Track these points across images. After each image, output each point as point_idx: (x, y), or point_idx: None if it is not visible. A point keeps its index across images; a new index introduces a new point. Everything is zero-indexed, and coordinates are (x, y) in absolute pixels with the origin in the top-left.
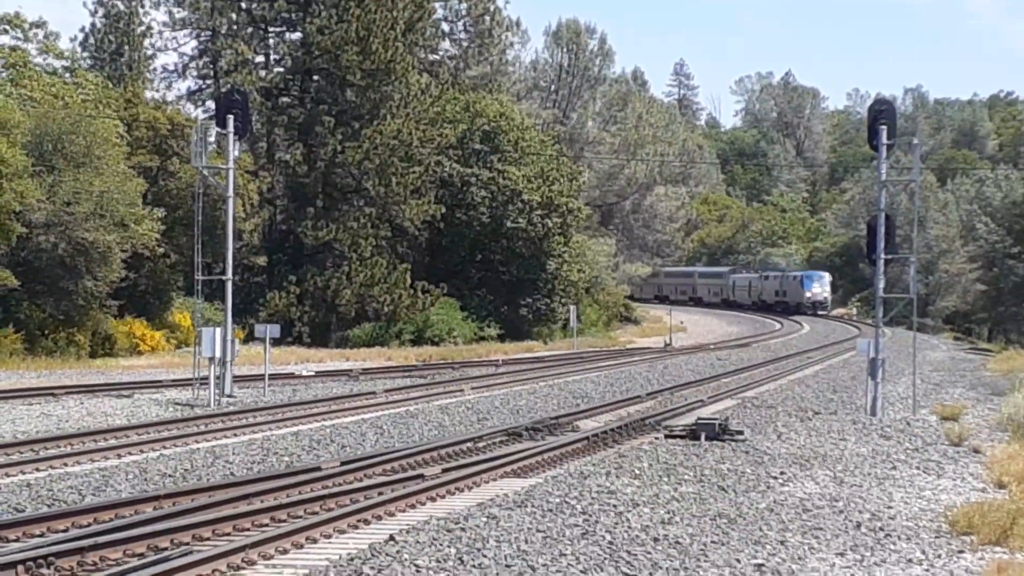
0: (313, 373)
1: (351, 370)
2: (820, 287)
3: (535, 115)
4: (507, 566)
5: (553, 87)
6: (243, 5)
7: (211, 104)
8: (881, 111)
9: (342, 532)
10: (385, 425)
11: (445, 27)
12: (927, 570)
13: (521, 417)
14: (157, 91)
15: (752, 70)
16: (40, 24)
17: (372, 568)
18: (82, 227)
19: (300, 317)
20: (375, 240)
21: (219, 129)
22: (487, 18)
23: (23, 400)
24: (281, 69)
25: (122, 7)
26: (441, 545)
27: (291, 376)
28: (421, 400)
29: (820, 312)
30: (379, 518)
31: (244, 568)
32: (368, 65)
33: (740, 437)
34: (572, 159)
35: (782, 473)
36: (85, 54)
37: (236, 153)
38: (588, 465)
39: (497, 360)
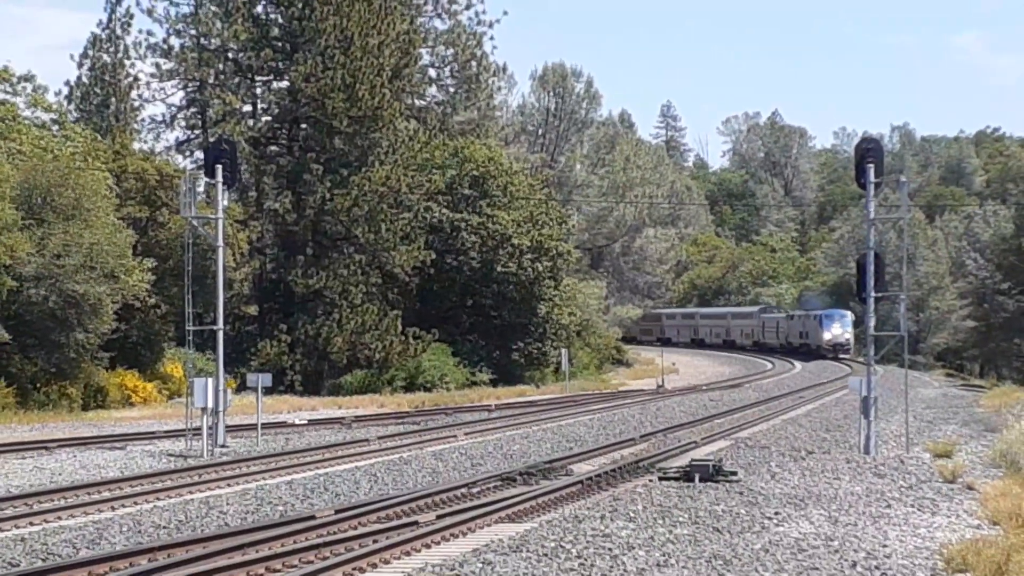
0: (306, 421)
1: (344, 418)
2: (841, 327)
3: (523, 159)
4: None
5: (540, 131)
6: (230, 55)
7: (199, 154)
8: (868, 149)
9: None
10: (379, 472)
11: (432, 73)
12: None
13: (515, 462)
14: (145, 142)
15: (739, 110)
16: (29, 77)
17: None
18: (72, 279)
19: (292, 366)
20: (365, 287)
21: (208, 179)
22: (474, 64)
23: (16, 454)
24: (269, 118)
25: (108, 59)
26: None
27: (284, 425)
28: (414, 447)
29: (842, 356)
30: (374, 566)
31: None
32: (355, 112)
33: (734, 478)
34: (561, 202)
35: (776, 513)
36: (72, 106)
37: (225, 203)
38: (583, 509)
39: (490, 405)
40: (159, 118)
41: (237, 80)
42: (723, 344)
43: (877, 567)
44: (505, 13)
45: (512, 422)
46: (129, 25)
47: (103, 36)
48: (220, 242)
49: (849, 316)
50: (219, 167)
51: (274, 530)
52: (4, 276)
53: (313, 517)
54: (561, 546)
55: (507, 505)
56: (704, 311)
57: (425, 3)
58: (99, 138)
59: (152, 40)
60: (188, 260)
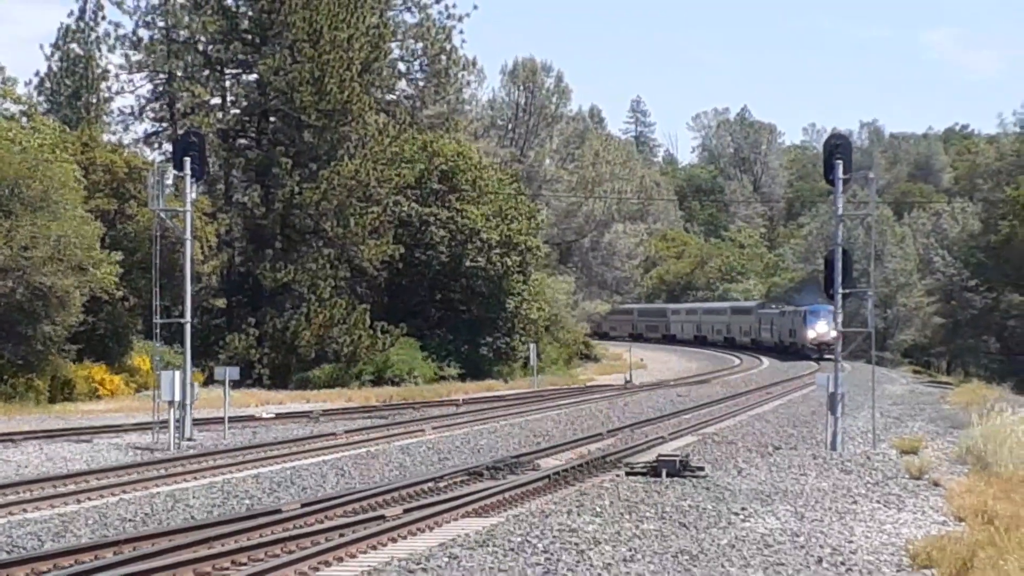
0: (273, 415)
1: (311, 412)
2: (827, 325)
3: (493, 154)
4: None
5: (510, 125)
6: (199, 47)
7: (168, 147)
8: (837, 146)
9: (303, 574)
10: (346, 466)
11: (402, 67)
12: None
13: (482, 456)
14: (114, 134)
15: (709, 106)
16: None
17: None
18: (40, 272)
19: (260, 359)
20: (334, 281)
21: (176, 172)
22: (443, 57)
23: None
24: (237, 111)
25: (79, 50)
26: None
27: (251, 418)
28: (382, 441)
29: (828, 357)
30: (340, 560)
31: None
32: (324, 106)
33: (701, 473)
34: (530, 197)
35: (743, 509)
36: (41, 98)
37: (193, 195)
38: (549, 503)
39: (457, 400)
40: (128, 110)
41: (206, 73)
42: (724, 342)
43: (843, 563)
44: (475, 7)
45: (480, 417)
46: (102, 17)
47: (74, 27)
48: (188, 235)
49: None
50: (187, 160)
51: (240, 524)
52: None
53: (279, 511)
54: (527, 541)
55: (474, 500)
56: (706, 306)
57: None
58: (68, 130)
59: (121, 32)
60: (156, 253)
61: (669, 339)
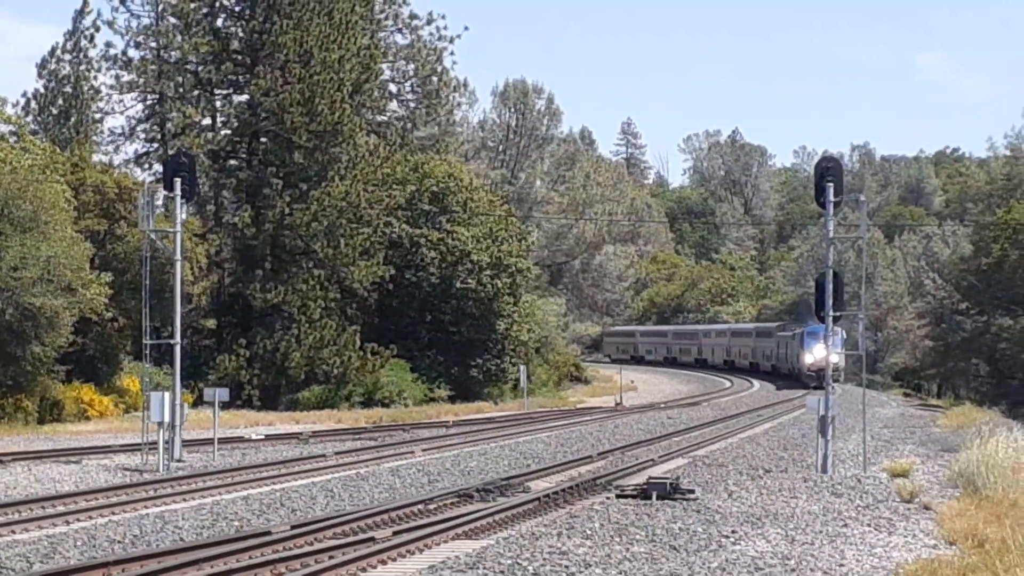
0: (263, 437)
1: (301, 433)
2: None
3: (483, 175)
4: None
5: (501, 147)
6: (189, 68)
7: (159, 167)
8: (828, 168)
9: None
10: (335, 488)
11: (393, 88)
12: None
13: (472, 479)
14: (105, 154)
15: (700, 128)
16: None
17: None
18: (29, 292)
19: (249, 380)
20: (324, 302)
21: (166, 192)
22: (434, 79)
23: None
24: (228, 131)
25: (69, 70)
26: None
27: (241, 440)
28: (371, 462)
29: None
30: None
31: None
32: (315, 127)
33: (691, 496)
34: (521, 219)
35: (733, 532)
36: (29, 118)
37: (184, 216)
38: (539, 526)
39: (447, 421)
40: (118, 130)
41: (197, 93)
42: (749, 367)
43: None
44: (466, 29)
45: (470, 438)
46: (93, 38)
47: (68, 47)
48: (178, 256)
49: (839, 334)
50: (178, 180)
51: (229, 545)
52: None
53: (269, 533)
54: (517, 563)
55: (464, 522)
56: (736, 327)
57: (386, 18)
58: (58, 150)
59: (112, 52)
60: (146, 274)
61: (701, 363)
